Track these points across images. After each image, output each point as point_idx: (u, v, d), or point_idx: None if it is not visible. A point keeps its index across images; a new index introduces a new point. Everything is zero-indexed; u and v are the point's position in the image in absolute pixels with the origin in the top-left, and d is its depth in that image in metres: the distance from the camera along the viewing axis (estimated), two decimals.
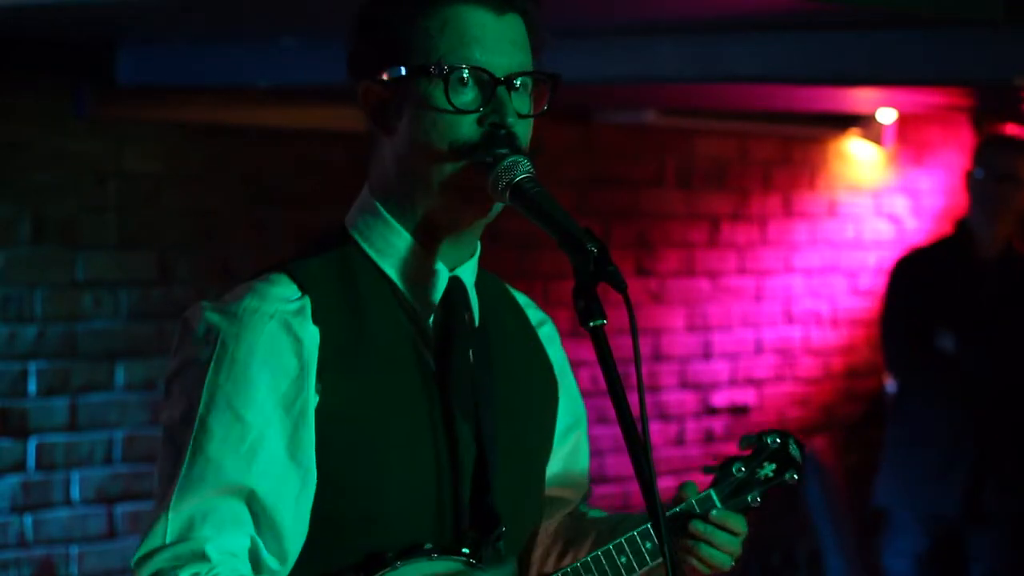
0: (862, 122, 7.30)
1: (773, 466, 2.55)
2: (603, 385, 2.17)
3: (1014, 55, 4.11)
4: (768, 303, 7.20)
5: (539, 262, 6.24)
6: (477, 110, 2.29)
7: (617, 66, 4.50)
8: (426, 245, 2.34)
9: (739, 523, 2.48)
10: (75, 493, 5.10)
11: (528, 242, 6.10)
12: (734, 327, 7.07)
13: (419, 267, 2.34)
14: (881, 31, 4.16)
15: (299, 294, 2.26)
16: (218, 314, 2.24)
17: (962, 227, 5.80)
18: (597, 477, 6.63)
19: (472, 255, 2.41)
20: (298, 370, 2.23)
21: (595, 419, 6.58)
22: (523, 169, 2.29)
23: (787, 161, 7.24)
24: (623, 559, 2.42)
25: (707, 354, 6.99)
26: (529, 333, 2.54)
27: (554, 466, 2.58)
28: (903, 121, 7.45)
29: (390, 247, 2.33)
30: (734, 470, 2.53)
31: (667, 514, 2.43)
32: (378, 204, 2.34)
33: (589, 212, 6.33)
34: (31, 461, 5.02)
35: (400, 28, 2.29)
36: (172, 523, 2.19)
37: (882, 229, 7.62)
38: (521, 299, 2.57)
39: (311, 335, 2.24)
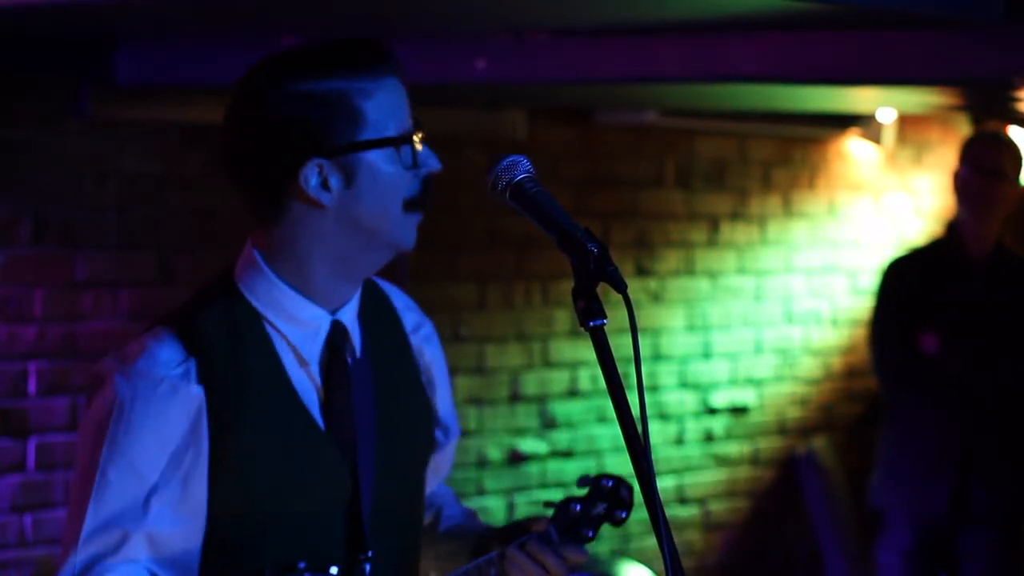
0: (862, 122, 7.31)
1: (605, 505, 2.78)
2: (603, 385, 2.18)
3: (1014, 55, 4.11)
4: (768, 303, 7.20)
5: (539, 262, 6.24)
6: (413, 167, 2.52)
7: (617, 66, 4.50)
8: (313, 298, 2.55)
9: (575, 552, 2.74)
10: None
11: (528, 242, 6.11)
12: (734, 327, 7.08)
13: (306, 319, 2.56)
14: (881, 31, 4.16)
15: (184, 356, 2.51)
16: (117, 376, 2.53)
17: (952, 227, 5.79)
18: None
19: (355, 294, 2.61)
20: (187, 427, 2.49)
21: (595, 419, 6.61)
22: (523, 169, 2.31)
23: (787, 161, 7.24)
24: None
25: (707, 354, 6.99)
26: (404, 345, 2.73)
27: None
28: (903, 121, 7.46)
29: (275, 303, 2.55)
30: (571, 508, 2.76)
31: (509, 545, 2.71)
32: (266, 266, 2.55)
33: (588, 212, 6.33)
34: (31, 461, 5.02)
35: (339, 111, 2.48)
36: (79, 560, 2.48)
37: (882, 229, 7.62)
38: (399, 302, 2.76)
39: (196, 396, 2.49)
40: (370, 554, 2.59)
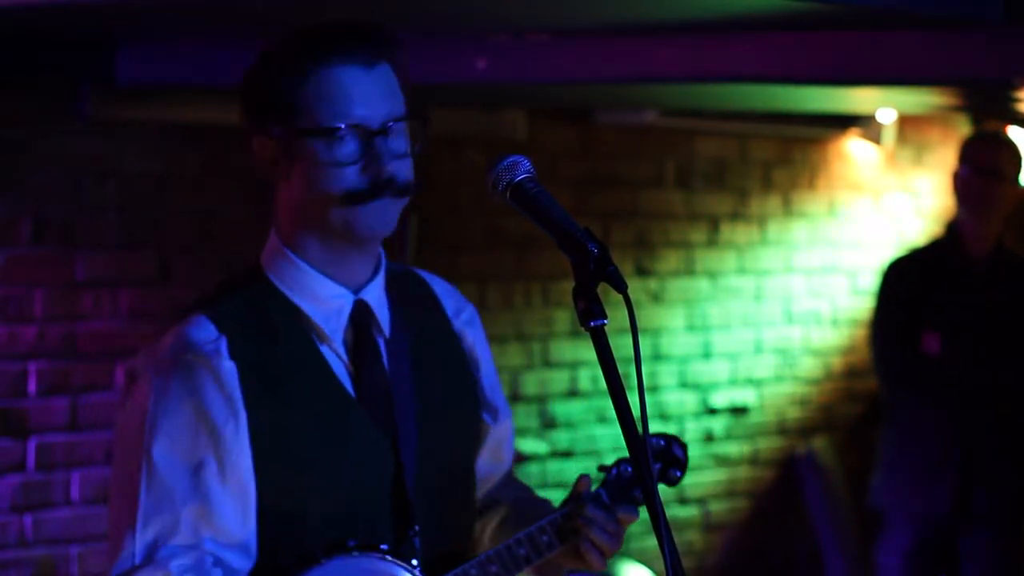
0: (862, 122, 7.31)
1: (658, 465, 2.80)
2: (603, 385, 2.18)
3: (1014, 55, 4.11)
4: (768, 303, 7.20)
5: (539, 262, 6.24)
6: (358, 161, 2.50)
7: (617, 66, 4.50)
8: (330, 276, 2.59)
9: (627, 512, 2.72)
10: (75, 493, 5.10)
11: (528, 242, 6.11)
12: (734, 327, 7.07)
13: (326, 297, 2.59)
14: (881, 31, 4.16)
15: (216, 335, 2.54)
16: (150, 364, 2.54)
17: (952, 227, 5.79)
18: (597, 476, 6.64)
19: (376, 273, 2.63)
20: (224, 401, 2.51)
21: (595, 419, 6.61)
22: (523, 169, 2.32)
23: (787, 161, 7.24)
24: (522, 551, 2.66)
25: (707, 354, 6.99)
26: (446, 328, 2.74)
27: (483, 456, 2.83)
28: (903, 121, 7.45)
29: (298, 283, 2.59)
30: (623, 470, 2.75)
31: (562, 511, 2.71)
32: (284, 246, 2.60)
33: (588, 212, 6.33)
34: (31, 461, 5.02)
35: (282, 91, 2.51)
36: (139, 545, 2.49)
37: (882, 229, 7.62)
38: (440, 288, 2.78)
39: (229, 370, 2.52)
40: (417, 529, 2.60)
